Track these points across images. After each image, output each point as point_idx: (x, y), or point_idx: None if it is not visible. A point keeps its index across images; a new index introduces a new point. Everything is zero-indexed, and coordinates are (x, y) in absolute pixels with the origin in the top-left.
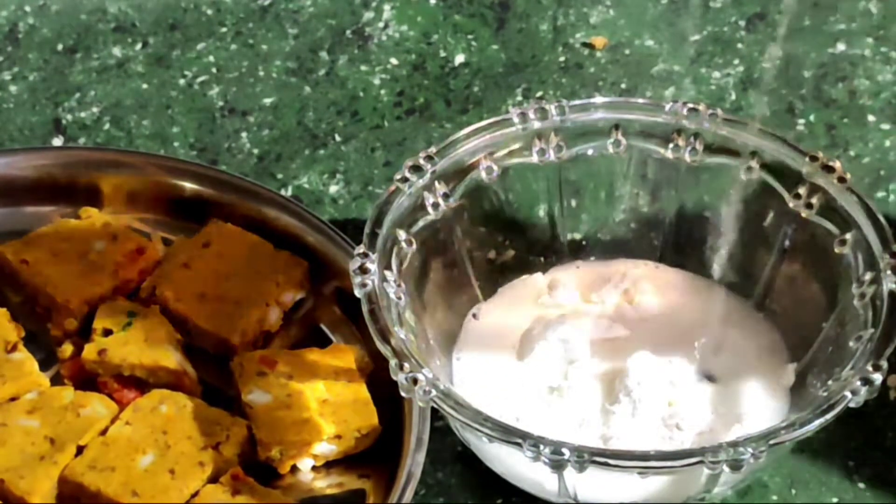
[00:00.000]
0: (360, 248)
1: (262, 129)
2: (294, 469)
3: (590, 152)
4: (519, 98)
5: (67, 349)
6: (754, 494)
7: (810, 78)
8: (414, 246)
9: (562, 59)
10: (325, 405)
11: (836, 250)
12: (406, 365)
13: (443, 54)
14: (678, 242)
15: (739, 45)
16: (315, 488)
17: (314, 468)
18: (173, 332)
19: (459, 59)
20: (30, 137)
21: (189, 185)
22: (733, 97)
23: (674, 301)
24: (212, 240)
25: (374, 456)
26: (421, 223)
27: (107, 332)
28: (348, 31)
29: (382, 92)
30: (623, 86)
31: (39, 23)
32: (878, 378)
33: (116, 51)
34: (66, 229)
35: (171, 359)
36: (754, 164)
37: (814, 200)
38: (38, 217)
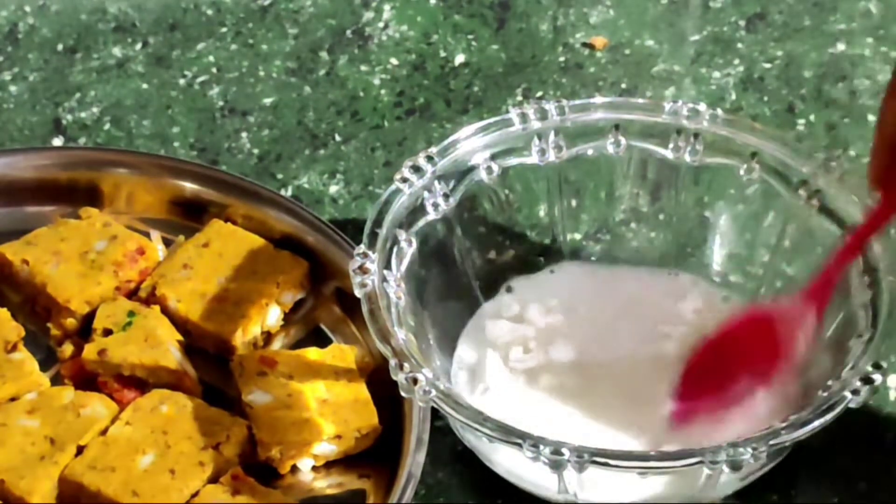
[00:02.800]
0: (360, 248)
1: (262, 129)
2: (294, 469)
3: (590, 152)
4: (519, 98)
5: (67, 349)
6: (754, 494)
7: (810, 78)
8: (414, 246)
9: (562, 59)
10: (325, 405)
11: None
12: (406, 365)
13: (443, 54)
14: (678, 242)
15: (739, 45)
16: (315, 488)
17: (314, 468)
18: (173, 332)
19: (459, 59)
20: (30, 137)
21: (189, 185)
22: (733, 97)
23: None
24: (212, 240)
25: (374, 456)
26: (421, 223)
27: (107, 332)
28: (348, 31)
29: (382, 92)
30: (623, 86)
31: (39, 23)
32: (878, 378)
33: (116, 51)
34: (66, 229)
35: (171, 359)
36: (754, 164)
37: (814, 200)
38: (38, 217)
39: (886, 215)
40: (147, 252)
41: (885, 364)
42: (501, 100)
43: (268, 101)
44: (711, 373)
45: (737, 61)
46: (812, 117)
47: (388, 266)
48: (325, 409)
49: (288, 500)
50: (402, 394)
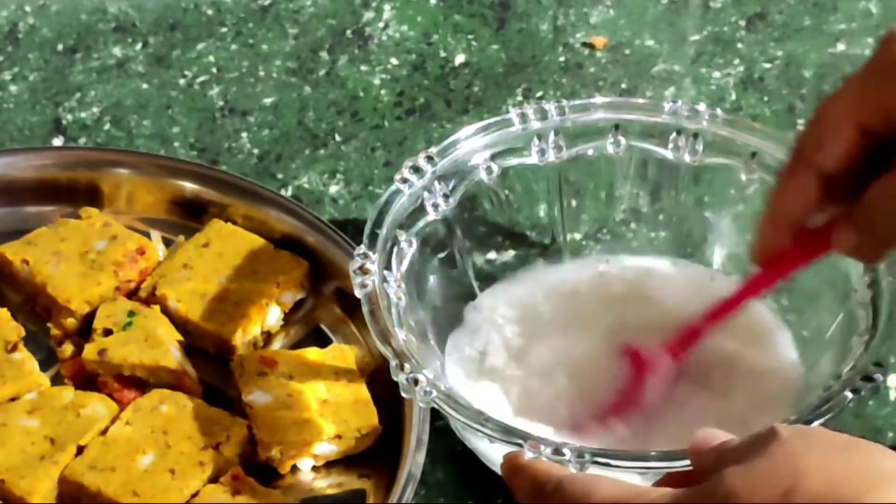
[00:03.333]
0: (361, 249)
1: (262, 129)
2: (294, 469)
3: (590, 152)
4: (519, 98)
5: (67, 349)
6: None
7: (810, 78)
8: (414, 246)
9: (562, 59)
10: (325, 405)
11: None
12: (407, 365)
13: (443, 54)
14: (678, 242)
15: (739, 45)
16: (315, 488)
17: (314, 468)
18: (173, 332)
19: (459, 59)
20: (30, 137)
21: (189, 185)
22: (733, 97)
23: (675, 298)
24: (212, 240)
25: (374, 456)
26: (421, 223)
27: (107, 332)
28: (348, 31)
29: (382, 92)
30: (623, 86)
31: (39, 23)
32: (878, 378)
33: (116, 51)
34: (66, 229)
35: (171, 359)
36: (754, 164)
37: None
38: (38, 217)
39: (762, 287)
40: (147, 252)
41: (885, 364)
42: (501, 100)
43: (268, 101)
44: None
45: (737, 61)
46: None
47: (388, 266)
48: (326, 409)
49: (288, 500)
50: (403, 394)
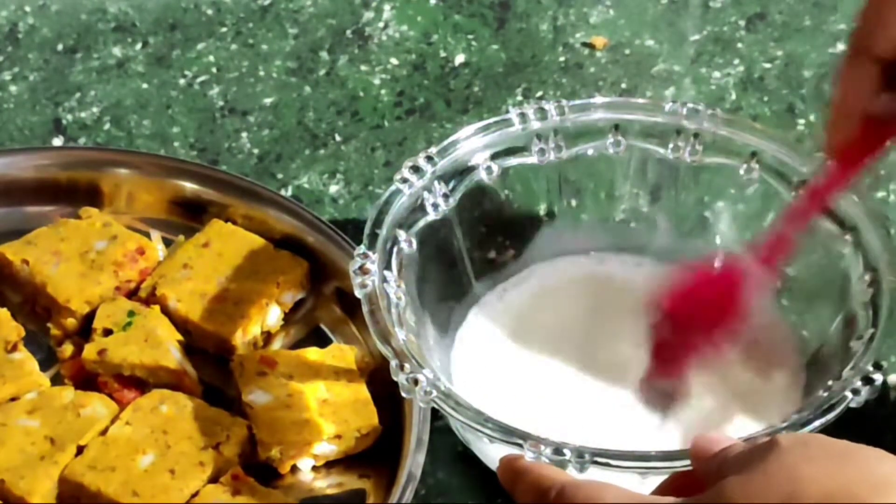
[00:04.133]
0: (361, 249)
1: (262, 129)
2: (294, 469)
3: (590, 152)
4: (519, 98)
5: (67, 349)
6: None
7: (810, 78)
8: (414, 246)
9: (562, 59)
10: (325, 405)
11: (837, 250)
12: (407, 365)
13: (443, 54)
14: (678, 242)
15: (739, 45)
16: (315, 488)
17: (314, 468)
18: (173, 332)
19: (459, 59)
20: (30, 137)
21: (189, 185)
22: (733, 97)
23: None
24: (212, 240)
25: (374, 456)
26: (421, 223)
27: (107, 332)
28: (348, 31)
29: (382, 92)
30: (623, 86)
31: (39, 23)
32: (878, 378)
33: (116, 51)
34: (66, 229)
35: (171, 359)
36: (754, 164)
37: None
38: (38, 217)
39: (840, 182)
40: (147, 252)
41: (885, 364)
42: (501, 100)
43: (268, 101)
44: (674, 329)
45: (737, 61)
46: (812, 117)
47: (388, 266)
48: (325, 409)
49: (288, 500)
50: (403, 394)
